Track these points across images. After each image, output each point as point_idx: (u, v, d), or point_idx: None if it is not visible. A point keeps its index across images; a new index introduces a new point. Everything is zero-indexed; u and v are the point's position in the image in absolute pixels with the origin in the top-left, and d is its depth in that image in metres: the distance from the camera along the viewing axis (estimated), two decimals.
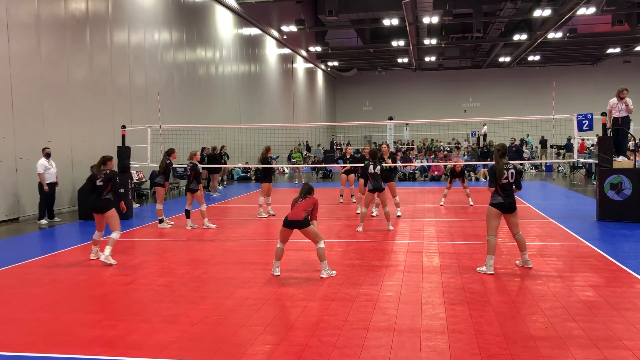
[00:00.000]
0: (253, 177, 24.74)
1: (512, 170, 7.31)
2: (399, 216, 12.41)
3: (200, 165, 11.99)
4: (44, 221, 12.82)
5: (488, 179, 7.51)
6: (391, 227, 10.90)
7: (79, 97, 15.18)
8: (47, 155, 12.84)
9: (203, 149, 19.79)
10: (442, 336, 5.05)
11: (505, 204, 7.25)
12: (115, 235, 8.33)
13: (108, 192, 8.44)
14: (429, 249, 9.07)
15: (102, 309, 6.09)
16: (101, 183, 8.45)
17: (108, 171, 8.60)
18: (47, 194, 12.83)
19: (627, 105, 11.92)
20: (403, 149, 30.17)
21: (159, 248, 9.54)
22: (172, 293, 6.68)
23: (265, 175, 13.13)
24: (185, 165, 12.01)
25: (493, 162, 7.51)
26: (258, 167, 13.06)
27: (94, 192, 8.50)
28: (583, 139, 26.11)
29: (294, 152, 32.45)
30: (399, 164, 14.43)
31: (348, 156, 15.94)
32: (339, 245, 9.45)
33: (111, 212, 8.34)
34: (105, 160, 8.75)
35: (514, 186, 7.34)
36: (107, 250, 8.20)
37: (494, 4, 30.17)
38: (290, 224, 7.25)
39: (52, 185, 12.92)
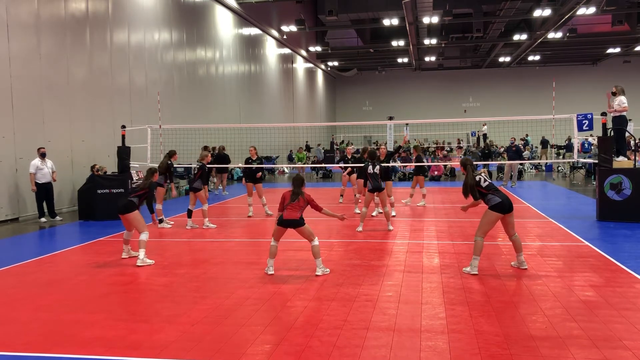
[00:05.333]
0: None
1: (483, 174, 7.38)
2: (393, 216, 12.38)
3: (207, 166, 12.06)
4: (43, 220, 12.87)
5: (470, 195, 7.39)
6: (391, 227, 10.90)
7: (79, 97, 15.18)
8: (43, 155, 12.89)
9: (213, 148, 19.69)
10: (442, 336, 5.05)
11: (505, 203, 7.20)
12: (144, 236, 8.28)
13: (136, 196, 8.46)
14: (429, 249, 9.07)
15: (102, 309, 6.08)
16: (135, 186, 8.55)
17: (149, 181, 8.74)
18: (41, 192, 12.89)
19: (617, 104, 11.88)
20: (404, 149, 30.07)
21: (159, 248, 9.53)
22: (172, 293, 6.68)
23: (246, 176, 13.06)
24: (187, 165, 12.06)
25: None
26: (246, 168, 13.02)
27: (127, 190, 8.66)
28: (586, 138, 26.12)
29: (298, 152, 32.36)
30: (398, 163, 14.43)
31: (349, 156, 15.92)
32: (339, 245, 9.44)
33: (133, 215, 8.32)
34: (152, 171, 9.00)
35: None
36: (141, 253, 8.17)
37: (494, 4, 30.17)
38: (285, 223, 7.29)
39: (46, 185, 12.94)
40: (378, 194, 10.85)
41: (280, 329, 5.36)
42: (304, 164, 30.04)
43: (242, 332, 5.25)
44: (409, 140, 37.26)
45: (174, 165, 12.44)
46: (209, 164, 12.24)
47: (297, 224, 7.27)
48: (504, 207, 7.18)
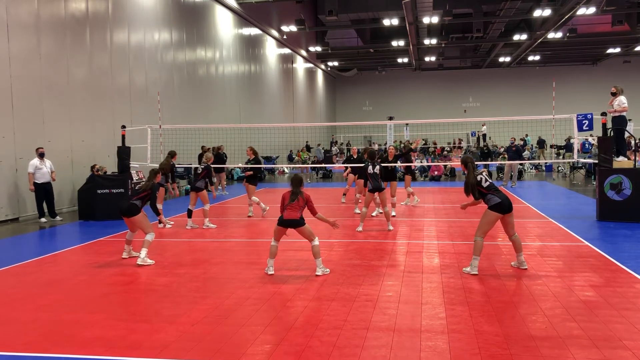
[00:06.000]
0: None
1: (484, 174, 7.35)
2: (393, 216, 12.38)
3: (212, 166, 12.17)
4: (43, 220, 12.88)
5: (472, 194, 7.37)
6: (391, 227, 10.90)
7: (79, 97, 15.18)
8: (41, 155, 12.91)
9: (214, 148, 19.73)
10: (442, 336, 5.05)
11: (504, 203, 7.19)
12: (149, 237, 8.28)
13: (138, 198, 8.47)
14: (429, 249, 9.07)
15: (102, 309, 6.08)
16: (138, 188, 8.57)
17: (151, 183, 8.72)
18: (40, 192, 12.91)
19: (617, 104, 11.90)
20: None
21: (159, 248, 9.53)
22: (172, 293, 6.68)
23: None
24: (187, 165, 12.10)
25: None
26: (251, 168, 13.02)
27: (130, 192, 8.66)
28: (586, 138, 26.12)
29: (303, 152, 32.30)
30: (398, 164, 14.42)
31: (355, 156, 15.90)
32: (339, 245, 9.44)
33: (138, 217, 8.32)
34: (155, 172, 8.95)
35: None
36: (143, 252, 8.18)
37: (494, 4, 30.17)
38: (285, 223, 7.29)
39: (45, 185, 12.96)
40: (378, 193, 10.85)
41: (280, 329, 5.35)
42: (304, 162, 30.03)
43: (242, 332, 5.25)
44: (422, 140, 37.24)
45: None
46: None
47: (298, 224, 7.26)
48: (503, 207, 7.18)
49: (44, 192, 12.97)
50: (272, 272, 7.40)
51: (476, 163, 22.06)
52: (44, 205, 13.11)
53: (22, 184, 13.18)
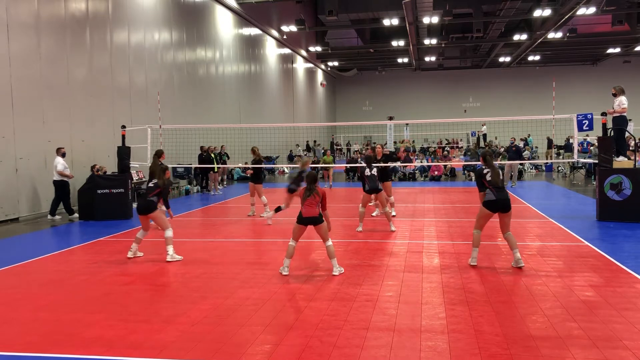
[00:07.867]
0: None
1: (497, 170, 7.55)
2: (393, 215, 12.38)
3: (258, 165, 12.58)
4: (57, 217, 13.19)
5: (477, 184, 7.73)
6: (393, 228, 10.88)
7: (79, 97, 15.18)
8: (63, 155, 13.26)
9: (202, 147, 19.80)
10: (442, 336, 5.05)
11: (498, 202, 7.31)
12: (169, 232, 8.47)
13: (154, 195, 8.56)
14: (429, 249, 9.07)
15: (102, 309, 6.08)
16: (152, 185, 8.68)
17: (164, 179, 8.79)
18: (66, 189, 13.16)
19: (617, 105, 11.91)
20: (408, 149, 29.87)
21: (159, 248, 9.52)
22: (172, 293, 6.68)
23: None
24: (187, 165, 12.07)
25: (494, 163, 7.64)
26: (256, 168, 13.04)
27: (144, 191, 8.76)
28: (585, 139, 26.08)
29: (327, 155, 31.97)
30: (398, 164, 14.37)
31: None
32: (338, 245, 9.44)
33: (156, 213, 8.49)
34: (164, 170, 9.02)
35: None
36: (170, 249, 8.40)
37: (494, 4, 30.18)
38: (305, 221, 7.30)
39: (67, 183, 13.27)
40: (376, 195, 10.90)
41: (280, 329, 5.36)
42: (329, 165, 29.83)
43: (242, 332, 5.25)
44: (413, 141, 37.23)
45: (175, 165, 12.51)
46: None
47: (317, 221, 7.29)
48: (494, 206, 7.37)
49: (67, 189, 13.27)
50: (287, 273, 7.38)
51: (476, 163, 21.99)
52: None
53: (22, 184, 13.19)
